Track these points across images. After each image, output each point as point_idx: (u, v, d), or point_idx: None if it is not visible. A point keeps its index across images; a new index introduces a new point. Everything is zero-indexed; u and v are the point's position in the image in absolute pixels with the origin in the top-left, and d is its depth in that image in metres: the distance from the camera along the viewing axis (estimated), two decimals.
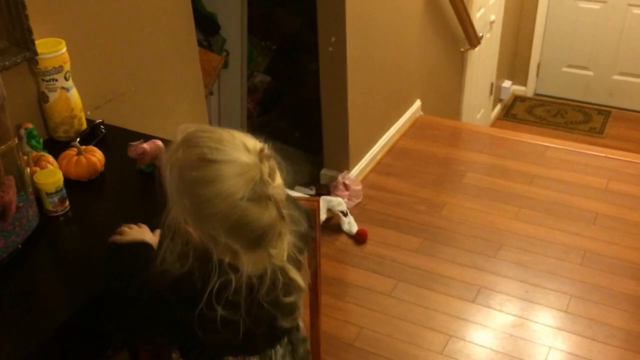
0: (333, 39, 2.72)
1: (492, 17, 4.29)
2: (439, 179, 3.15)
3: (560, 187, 3.06)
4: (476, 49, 4.02)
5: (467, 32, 3.79)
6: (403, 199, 2.99)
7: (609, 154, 3.37)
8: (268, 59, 3.34)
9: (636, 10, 4.64)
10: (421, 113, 3.67)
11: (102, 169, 1.42)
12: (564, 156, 3.33)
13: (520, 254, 2.65)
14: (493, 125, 4.97)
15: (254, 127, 3.11)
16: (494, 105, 5.06)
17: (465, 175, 3.18)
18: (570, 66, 5.10)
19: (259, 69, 3.28)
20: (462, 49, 3.97)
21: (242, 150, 0.98)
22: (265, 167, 0.97)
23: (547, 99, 5.29)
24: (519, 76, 5.27)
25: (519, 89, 5.33)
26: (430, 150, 3.39)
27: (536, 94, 5.35)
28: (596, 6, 4.76)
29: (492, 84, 4.79)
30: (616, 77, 4.97)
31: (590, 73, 5.05)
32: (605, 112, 5.06)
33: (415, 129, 3.57)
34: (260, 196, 0.96)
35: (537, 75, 5.25)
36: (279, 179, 1.01)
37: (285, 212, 0.99)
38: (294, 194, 1.92)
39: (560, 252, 2.65)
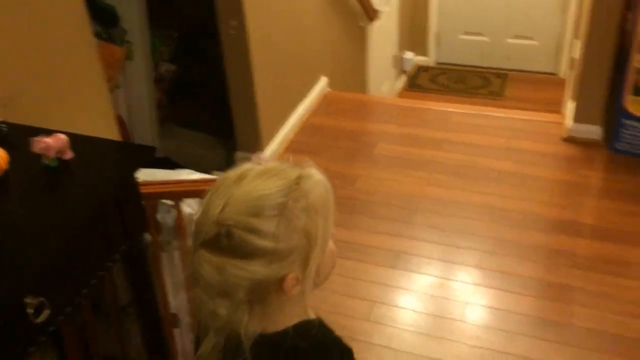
0: (234, 22, 2.70)
1: None
2: (350, 152, 3.21)
3: (466, 150, 3.18)
4: (375, 23, 4.09)
5: (364, 6, 3.85)
6: None
7: (508, 114, 3.53)
8: (172, 48, 3.28)
9: None
10: (328, 89, 3.71)
11: (7, 167, 1.38)
12: (467, 120, 3.46)
13: (434, 218, 2.74)
14: (399, 96, 5.08)
15: (165, 117, 3.06)
16: (399, 77, 5.17)
17: (376, 146, 3.25)
18: (466, 33, 5.28)
19: (163, 58, 3.22)
20: (361, 24, 4.03)
21: None
22: None
23: (448, 67, 5.45)
24: (420, 47, 5.40)
25: (421, 59, 5.46)
26: (340, 125, 3.44)
27: (438, 63, 5.51)
28: None
29: (394, 56, 4.89)
30: (510, 40, 5.18)
31: (486, 39, 5.24)
32: (503, 75, 5.27)
33: (324, 105, 3.61)
34: None
35: (437, 45, 5.40)
36: None
37: None
38: (194, 176, 1.91)
39: (470, 212, 2.76)
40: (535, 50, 5.12)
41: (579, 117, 3.13)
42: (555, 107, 4.22)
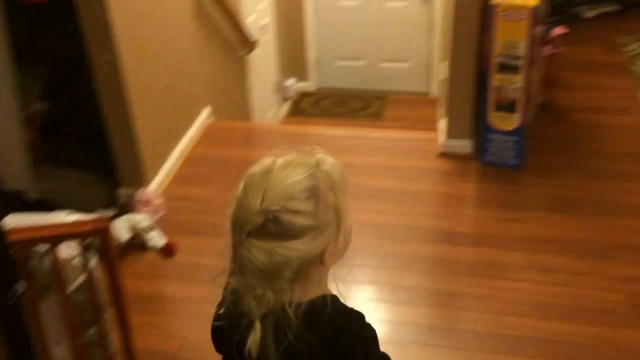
0: (107, 56, 2.67)
1: (264, 21, 4.47)
2: (239, 180, 3.21)
3: (350, 170, 3.19)
4: (255, 52, 4.16)
5: (242, 37, 3.92)
6: (207, 205, 3.02)
7: (387, 134, 3.69)
8: (42, 86, 3.18)
9: (389, 4, 5.09)
10: (213, 119, 3.72)
11: None
12: (349, 142, 3.57)
13: None
14: (284, 122, 5.16)
15: (40, 157, 2.95)
16: (282, 103, 5.26)
17: None
18: (344, 59, 5.46)
19: (34, 97, 3.12)
20: (241, 54, 4.08)
21: None
22: None
23: (329, 91, 5.60)
24: (301, 73, 5.52)
25: (303, 85, 5.58)
26: (227, 154, 3.46)
27: (319, 88, 5.65)
28: (355, 3, 5.15)
29: (276, 83, 4.98)
30: (384, 64, 5.41)
31: (362, 63, 5.45)
32: (381, 97, 5.48)
33: (209, 135, 3.61)
34: None
35: (317, 70, 5.55)
36: None
37: None
38: (72, 217, 1.85)
39: (358, 230, 2.82)
40: (408, 72, 5.38)
41: (451, 133, 3.32)
42: (430, 124, 4.44)
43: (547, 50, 3.54)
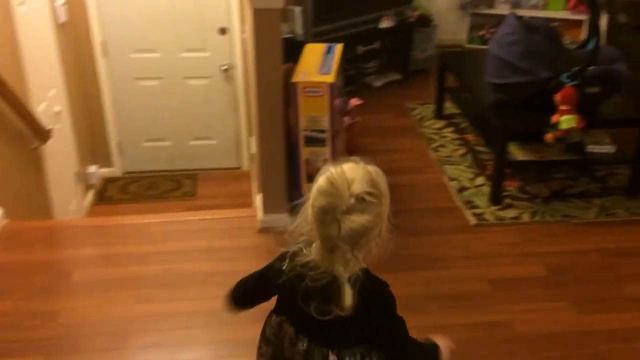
0: None
1: (57, 108, 4.27)
2: (45, 286, 2.98)
3: (170, 258, 3.19)
4: (50, 142, 3.94)
5: (32, 127, 3.70)
6: (11, 319, 2.74)
7: (204, 216, 3.65)
8: None
9: (191, 82, 5.14)
10: (6, 221, 3.43)
11: None
12: (166, 228, 3.48)
13: (150, 336, 2.67)
14: (90, 212, 4.91)
15: None
16: (86, 192, 5.00)
17: (73, 274, 3.07)
18: (149, 140, 5.36)
19: None
20: (34, 145, 3.84)
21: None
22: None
23: (137, 174, 5.45)
24: (104, 159, 5.32)
25: (107, 171, 5.37)
26: (27, 259, 3.19)
27: (126, 172, 5.47)
28: (154, 82, 5.12)
29: (77, 173, 4.73)
30: (192, 142, 5.40)
31: (169, 143, 5.39)
32: (192, 176, 5.45)
33: (4, 239, 3.31)
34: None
35: (121, 154, 5.38)
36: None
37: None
38: None
39: (185, 322, 2.76)
40: (216, 149, 5.42)
41: (267, 209, 3.37)
42: (246, 198, 4.50)
43: (346, 120, 3.77)
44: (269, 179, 3.32)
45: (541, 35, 3.48)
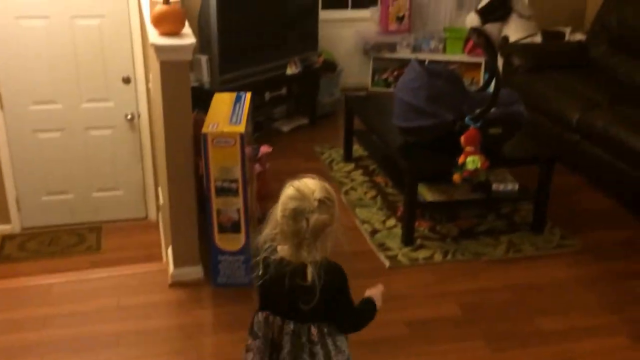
0: None
1: None
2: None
3: (77, 321, 3.03)
4: None
5: None
6: None
7: (112, 272, 3.52)
8: None
9: (94, 132, 4.99)
10: None
11: None
12: (71, 287, 3.33)
13: None
14: None
15: None
16: None
17: None
18: (50, 193, 5.13)
19: None
20: None
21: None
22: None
23: (37, 230, 5.19)
24: (1, 215, 5.05)
25: (4, 228, 5.09)
26: None
27: (24, 229, 5.20)
28: (55, 134, 4.94)
29: None
30: (96, 194, 5.22)
31: (71, 196, 5.18)
32: (97, 228, 5.24)
33: None
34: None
35: (19, 209, 5.12)
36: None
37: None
38: None
39: None
40: (122, 200, 5.25)
41: (178, 262, 3.29)
42: (153, 249, 4.37)
43: (257, 167, 3.76)
44: (179, 232, 3.25)
45: (444, 80, 3.63)
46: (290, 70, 4.83)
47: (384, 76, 5.74)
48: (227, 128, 3.08)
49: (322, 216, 1.80)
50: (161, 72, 2.94)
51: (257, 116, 4.81)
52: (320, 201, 1.80)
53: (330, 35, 5.58)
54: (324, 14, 5.60)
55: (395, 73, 5.72)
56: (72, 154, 5.03)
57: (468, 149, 3.44)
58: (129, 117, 4.96)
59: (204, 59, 4.46)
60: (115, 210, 5.29)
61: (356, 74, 5.77)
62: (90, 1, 4.66)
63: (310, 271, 1.83)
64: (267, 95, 4.76)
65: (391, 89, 5.60)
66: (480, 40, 3.49)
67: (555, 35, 5.27)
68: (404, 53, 5.62)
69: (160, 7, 2.97)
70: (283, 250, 1.88)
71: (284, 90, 4.86)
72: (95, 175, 5.15)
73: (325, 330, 1.96)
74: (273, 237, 1.89)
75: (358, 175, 4.39)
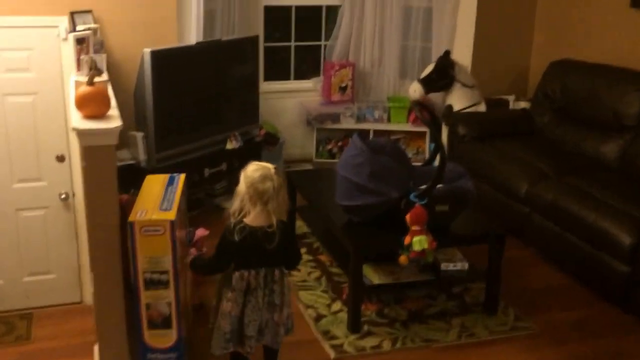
0: None
1: None
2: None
3: None
4: None
5: None
6: None
7: None
8: None
9: (26, 213, 4.67)
10: None
11: None
12: None
13: None
14: None
15: None
16: None
17: None
18: None
19: None
20: None
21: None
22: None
23: None
24: None
25: None
26: None
27: None
28: None
29: None
30: (27, 278, 4.85)
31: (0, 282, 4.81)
32: (27, 315, 4.85)
33: None
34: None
35: None
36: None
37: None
38: None
39: None
40: (55, 284, 4.88)
41: (105, 359, 2.97)
42: (90, 335, 4.02)
43: (193, 252, 3.50)
44: (105, 329, 2.94)
45: (387, 155, 3.49)
46: (230, 145, 4.63)
47: (328, 147, 5.59)
48: (156, 215, 2.83)
49: (279, 178, 2.61)
50: (85, 158, 2.70)
51: (196, 193, 4.58)
52: (275, 169, 2.64)
53: (272, 106, 5.44)
54: (265, 86, 5.48)
55: (340, 143, 5.58)
56: (1, 238, 4.69)
57: (414, 228, 3.26)
58: (63, 196, 4.66)
59: (139, 136, 4.23)
60: (47, 295, 4.91)
61: (300, 145, 5.61)
62: (24, 79, 4.42)
63: (277, 233, 2.62)
64: (207, 172, 4.54)
65: (336, 160, 5.44)
66: (423, 114, 3.36)
67: (499, 103, 5.24)
68: (347, 123, 5.50)
69: (84, 89, 2.76)
70: (251, 218, 2.64)
71: (223, 166, 4.64)
72: (26, 259, 4.79)
73: (282, 272, 2.75)
74: (241, 208, 2.66)
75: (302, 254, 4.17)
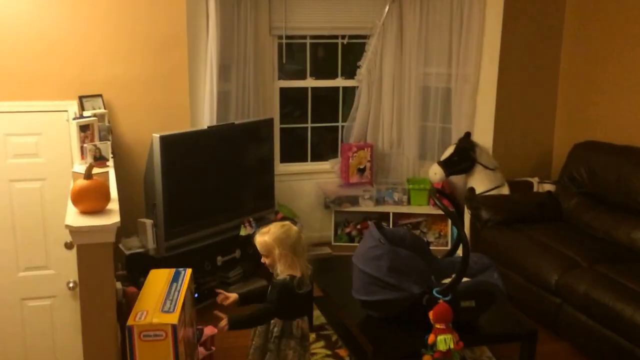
0: None
1: None
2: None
3: None
4: None
5: None
6: None
7: None
8: None
9: (31, 303, 4.43)
10: None
11: None
12: None
13: None
14: None
15: None
16: None
17: None
18: None
19: None
20: None
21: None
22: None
23: None
24: None
25: None
26: None
27: None
28: None
29: None
30: None
31: None
32: None
33: None
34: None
35: None
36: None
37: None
38: None
39: None
40: None
41: None
42: None
43: (201, 351, 3.24)
44: None
45: (407, 247, 3.24)
46: (244, 231, 4.41)
47: (347, 230, 5.34)
48: (157, 318, 2.58)
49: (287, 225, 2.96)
50: (78, 258, 2.50)
51: (209, 282, 4.33)
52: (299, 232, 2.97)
53: (289, 188, 5.25)
54: (282, 167, 5.31)
55: (359, 226, 5.34)
56: (5, 330, 4.44)
57: (438, 326, 2.98)
58: (71, 285, 4.44)
59: (149, 223, 4.03)
60: None
61: (318, 228, 5.37)
62: (32, 164, 4.29)
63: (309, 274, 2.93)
64: (219, 260, 4.30)
65: (355, 244, 5.19)
66: (442, 204, 3.12)
67: (522, 185, 4.98)
68: (366, 206, 5.28)
69: (80, 183, 2.58)
70: (294, 270, 2.89)
71: (237, 253, 4.40)
72: (31, 350, 4.53)
73: None
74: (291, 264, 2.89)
75: (319, 348, 3.86)
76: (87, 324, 2.54)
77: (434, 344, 2.95)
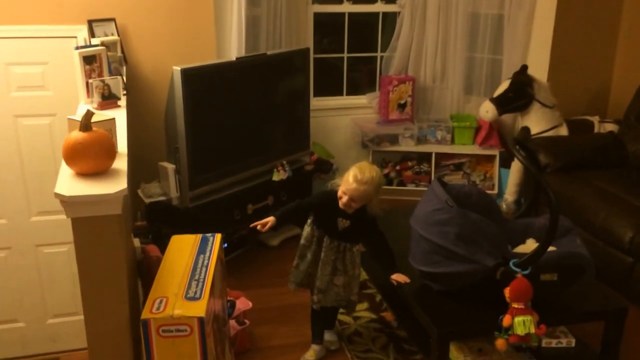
0: None
1: None
2: None
3: None
4: None
5: None
6: None
7: None
8: None
9: (46, 250, 3.82)
10: None
11: None
12: None
13: None
14: None
15: None
16: None
17: None
18: None
19: None
20: None
21: None
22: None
23: None
24: None
25: None
26: None
27: None
28: (1, 255, 3.77)
29: None
30: (52, 320, 4.02)
31: (22, 324, 3.98)
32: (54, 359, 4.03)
33: None
34: None
35: None
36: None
37: None
38: None
39: None
40: (83, 325, 4.00)
41: None
42: None
43: (233, 325, 2.58)
44: None
45: (474, 207, 2.50)
46: (278, 176, 3.67)
47: (386, 171, 4.57)
48: (179, 309, 1.90)
49: None
50: (74, 236, 1.79)
51: (239, 230, 3.65)
52: None
53: (322, 125, 4.47)
54: (315, 102, 4.50)
55: (398, 167, 4.58)
56: (20, 277, 3.84)
57: (516, 305, 2.29)
58: None
59: (170, 169, 3.30)
60: (75, 338, 4.04)
61: None
62: (39, 97, 3.55)
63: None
64: (250, 208, 3.59)
65: (393, 187, 4.46)
66: (526, 158, 2.36)
67: (581, 125, 4.17)
68: (407, 145, 4.50)
69: (75, 136, 1.84)
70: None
71: (270, 200, 3.68)
72: (49, 300, 3.95)
73: None
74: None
75: (362, 311, 3.21)
76: (90, 322, 1.87)
77: (511, 326, 2.28)
